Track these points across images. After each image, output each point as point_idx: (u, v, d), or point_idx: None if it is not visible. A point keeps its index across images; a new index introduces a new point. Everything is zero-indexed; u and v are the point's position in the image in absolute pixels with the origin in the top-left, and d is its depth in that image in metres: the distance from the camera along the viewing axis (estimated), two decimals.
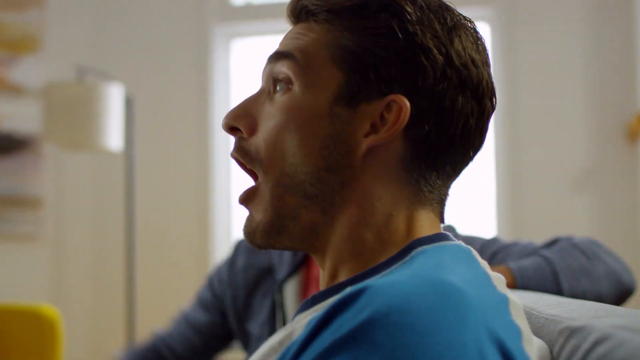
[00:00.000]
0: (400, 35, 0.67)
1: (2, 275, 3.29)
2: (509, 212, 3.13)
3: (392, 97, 0.67)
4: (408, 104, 0.66)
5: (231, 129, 0.73)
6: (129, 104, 2.90)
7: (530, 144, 3.13)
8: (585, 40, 3.11)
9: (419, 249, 0.65)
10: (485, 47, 0.73)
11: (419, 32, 0.67)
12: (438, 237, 0.68)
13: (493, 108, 0.72)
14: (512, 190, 3.14)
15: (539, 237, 3.21)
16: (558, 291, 1.19)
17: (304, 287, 1.39)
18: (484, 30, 3.32)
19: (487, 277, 0.63)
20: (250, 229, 0.72)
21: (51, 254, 3.39)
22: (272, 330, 1.39)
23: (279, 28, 3.22)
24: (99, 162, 3.36)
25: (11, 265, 3.33)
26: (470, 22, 0.72)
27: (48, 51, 3.41)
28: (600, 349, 0.54)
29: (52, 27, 3.43)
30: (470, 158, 0.72)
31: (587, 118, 3.10)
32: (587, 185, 3.08)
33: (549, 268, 1.20)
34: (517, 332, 0.57)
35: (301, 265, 1.41)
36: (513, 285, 1.17)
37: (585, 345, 0.56)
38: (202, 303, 1.57)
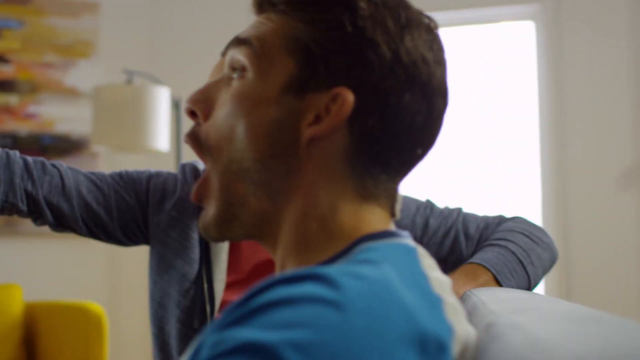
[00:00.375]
0: (349, 29, 0.68)
1: (61, 274, 3.42)
2: (555, 210, 3.08)
3: (338, 89, 0.67)
4: (351, 97, 0.67)
5: (191, 113, 0.75)
6: (176, 106, 2.97)
7: (576, 141, 3.07)
8: (631, 37, 3.04)
9: (363, 245, 0.66)
10: (441, 46, 0.73)
11: (369, 26, 0.68)
12: (384, 234, 0.68)
13: (445, 106, 0.72)
14: (557, 188, 3.09)
15: (586, 237, 3.12)
16: (526, 276, 1.23)
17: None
18: (529, 27, 3.27)
19: (424, 277, 0.63)
20: (205, 223, 0.74)
21: (107, 253, 3.50)
22: (208, 273, 1.34)
23: None
24: (151, 161, 3.45)
25: (69, 265, 3.45)
26: (430, 20, 0.73)
27: (101, 56, 3.52)
28: (493, 347, 0.55)
29: (105, 33, 3.54)
30: (419, 156, 0.72)
31: (633, 115, 3.03)
32: (633, 182, 3.00)
33: (513, 257, 1.23)
34: (448, 329, 0.58)
35: None
36: (494, 280, 1.17)
37: (488, 342, 0.57)
38: (131, 186, 1.37)
